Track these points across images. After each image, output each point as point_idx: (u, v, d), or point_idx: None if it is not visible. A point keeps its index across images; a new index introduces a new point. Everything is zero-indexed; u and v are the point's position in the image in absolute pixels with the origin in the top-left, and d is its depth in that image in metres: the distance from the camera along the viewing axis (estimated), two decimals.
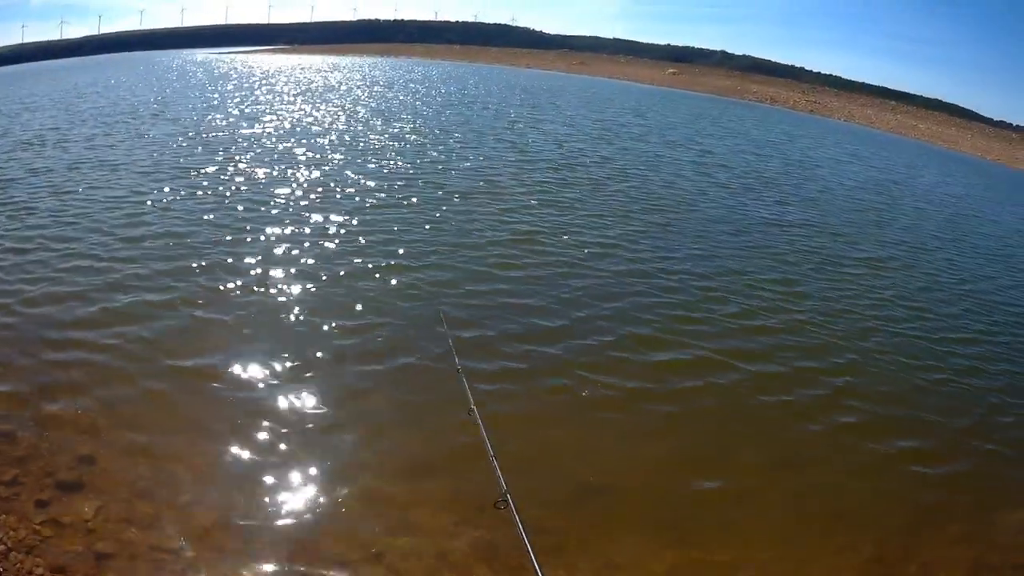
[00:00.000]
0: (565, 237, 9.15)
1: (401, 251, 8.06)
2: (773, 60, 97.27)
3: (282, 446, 4.58)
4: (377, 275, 7.31)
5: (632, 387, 5.60)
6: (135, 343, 5.67)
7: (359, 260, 7.70)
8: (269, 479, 4.29)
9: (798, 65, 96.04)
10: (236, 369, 5.38)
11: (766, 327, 7.03)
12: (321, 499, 4.18)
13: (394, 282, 7.17)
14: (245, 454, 4.49)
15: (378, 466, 4.47)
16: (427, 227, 9.06)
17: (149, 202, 9.53)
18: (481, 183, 11.83)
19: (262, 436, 4.66)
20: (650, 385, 5.65)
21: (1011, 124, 72.96)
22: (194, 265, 7.27)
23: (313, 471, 4.38)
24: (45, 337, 5.71)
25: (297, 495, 4.19)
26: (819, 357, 6.52)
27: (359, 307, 6.53)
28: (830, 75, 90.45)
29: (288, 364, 5.47)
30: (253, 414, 4.86)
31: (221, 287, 6.78)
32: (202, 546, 3.78)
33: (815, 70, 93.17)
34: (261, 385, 5.23)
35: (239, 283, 6.87)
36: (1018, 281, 10.51)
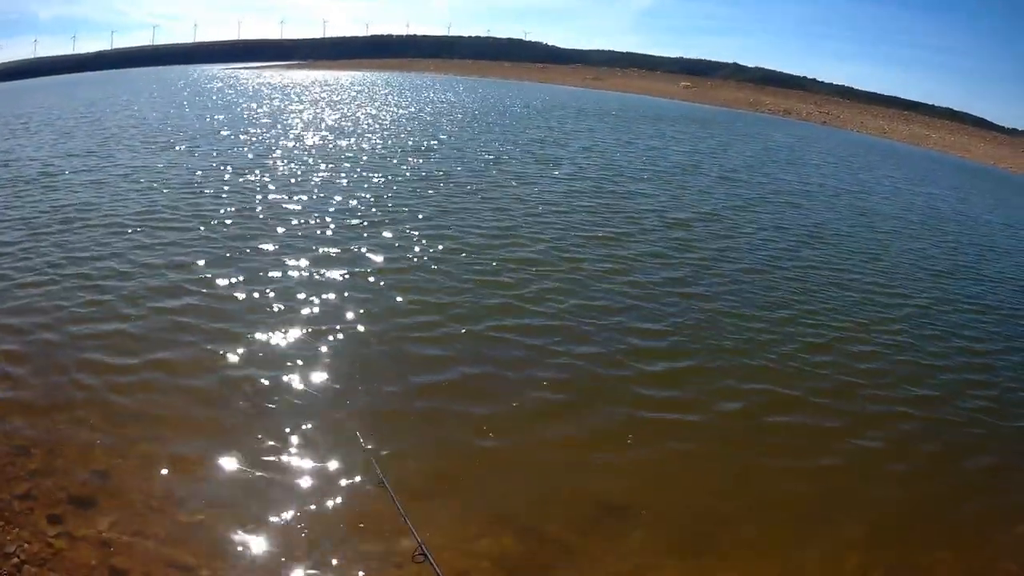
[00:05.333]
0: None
1: None
2: (785, 72, 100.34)
3: (295, 463, 4.83)
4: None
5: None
6: (152, 360, 5.96)
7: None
8: (284, 497, 4.50)
9: (810, 76, 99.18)
10: (254, 385, 5.71)
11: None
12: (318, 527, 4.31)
13: None
14: (262, 471, 4.69)
15: None
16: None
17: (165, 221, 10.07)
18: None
19: (281, 454, 4.89)
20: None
21: (1022, 131, 76.00)
22: (208, 287, 7.70)
23: (312, 500, 4.54)
24: (60, 352, 6.07)
25: (306, 519, 4.34)
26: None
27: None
28: (842, 86, 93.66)
29: (303, 387, 5.79)
30: (270, 430, 5.13)
31: (237, 308, 7.16)
32: (217, 564, 3.96)
33: (827, 81, 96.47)
34: (280, 401, 5.54)
35: (256, 302, 7.32)
36: None
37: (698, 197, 15.05)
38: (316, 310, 7.24)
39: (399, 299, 7.64)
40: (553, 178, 15.43)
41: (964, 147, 49.16)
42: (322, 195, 12.20)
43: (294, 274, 8.17)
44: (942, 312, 9.46)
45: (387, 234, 9.90)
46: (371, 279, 8.13)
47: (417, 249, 9.36)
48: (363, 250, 9.13)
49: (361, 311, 7.27)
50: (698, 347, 7.28)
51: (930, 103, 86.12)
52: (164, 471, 4.60)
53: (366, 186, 13.14)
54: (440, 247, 9.47)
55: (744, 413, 6.17)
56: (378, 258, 8.88)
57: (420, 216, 11.05)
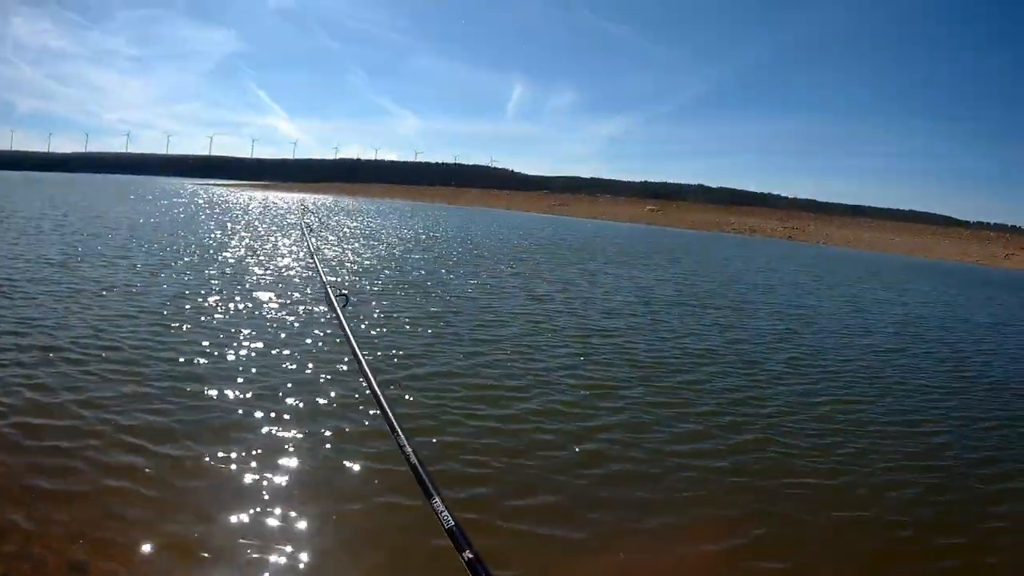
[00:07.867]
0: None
1: None
2: (750, 190, 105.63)
3: (279, 545, 4.80)
4: None
5: None
6: (129, 449, 6.03)
7: None
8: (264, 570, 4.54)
9: (774, 192, 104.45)
10: (226, 471, 5.80)
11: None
12: None
13: None
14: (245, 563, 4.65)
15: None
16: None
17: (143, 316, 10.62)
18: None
19: (266, 537, 4.89)
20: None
21: (988, 223, 79.90)
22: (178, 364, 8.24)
23: (297, 557, 4.66)
24: (42, 437, 6.09)
25: None
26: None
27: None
28: (806, 199, 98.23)
29: (269, 461, 5.95)
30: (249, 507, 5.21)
31: (206, 389, 7.45)
32: None
33: (790, 196, 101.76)
34: (245, 482, 5.62)
35: (223, 389, 7.55)
36: None
37: (690, 336, 13.63)
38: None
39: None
40: (532, 324, 13.60)
41: (932, 248, 50.32)
42: (284, 338, 10.57)
43: (245, 452, 6.43)
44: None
45: (350, 403, 8.05)
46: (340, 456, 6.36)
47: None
48: (330, 415, 7.44)
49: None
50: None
51: (894, 207, 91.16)
52: (145, 566, 4.46)
53: (329, 329, 11.48)
54: (414, 418, 7.62)
55: None
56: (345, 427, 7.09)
57: (385, 365, 9.32)
